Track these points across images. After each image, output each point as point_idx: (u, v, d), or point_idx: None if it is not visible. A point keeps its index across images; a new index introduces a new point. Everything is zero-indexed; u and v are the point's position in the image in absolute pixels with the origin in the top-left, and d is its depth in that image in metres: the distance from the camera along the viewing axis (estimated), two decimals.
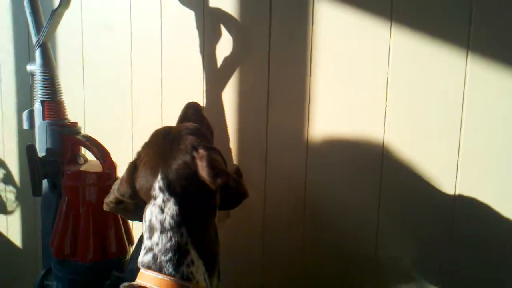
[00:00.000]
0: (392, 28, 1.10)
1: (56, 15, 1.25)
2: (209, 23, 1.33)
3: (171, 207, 0.89)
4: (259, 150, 1.30)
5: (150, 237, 0.89)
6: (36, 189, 1.24)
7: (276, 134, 1.28)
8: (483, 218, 1.06)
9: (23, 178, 1.78)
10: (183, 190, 0.90)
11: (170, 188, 0.90)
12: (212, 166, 0.90)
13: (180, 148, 0.93)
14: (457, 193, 1.08)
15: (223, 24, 1.31)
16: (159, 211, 0.89)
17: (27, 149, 1.22)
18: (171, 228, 0.88)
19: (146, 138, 1.47)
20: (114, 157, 1.26)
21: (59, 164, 1.26)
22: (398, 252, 1.17)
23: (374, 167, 1.16)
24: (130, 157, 1.50)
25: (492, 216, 1.05)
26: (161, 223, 0.89)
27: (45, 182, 1.29)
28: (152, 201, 0.91)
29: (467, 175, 1.07)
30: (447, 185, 1.09)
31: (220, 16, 1.31)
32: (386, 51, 1.11)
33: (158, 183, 0.90)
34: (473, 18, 1.02)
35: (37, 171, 1.23)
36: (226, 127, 1.33)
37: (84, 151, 1.32)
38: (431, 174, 1.10)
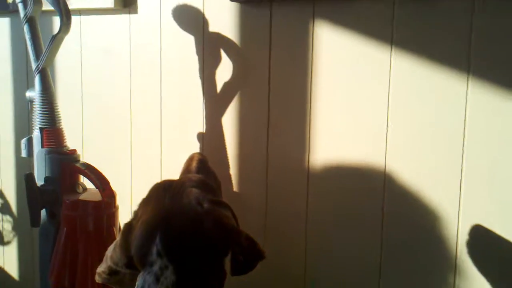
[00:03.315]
0: (393, 53, 1.09)
1: (56, 40, 1.24)
2: (209, 48, 1.33)
3: (168, 277, 0.74)
4: (260, 177, 1.28)
5: None
6: (34, 219, 1.22)
7: (276, 160, 1.26)
8: (488, 245, 1.04)
9: (21, 208, 1.75)
10: (186, 254, 0.76)
11: (169, 253, 0.75)
12: (221, 223, 0.78)
13: (183, 203, 0.81)
14: (460, 219, 1.06)
15: (222, 49, 1.31)
16: (153, 280, 0.74)
17: (25, 178, 1.21)
18: None
19: (145, 165, 1.47)
20: (114, 185, 1.24)
21: (58, 193, 1.24)
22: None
23: (376, 194, 1.14)
24: (129, 185, 1.50)
25: (499, 245, 1.03)
26: None
27: (43, 212, 1.27)
28: (147, 268, 0.76)
29: (470, 201, 1.05)
30: (451, 212, 1.07)
31: (220, 41, 1.31)
32: (387, 77, 1.10)
33: (156, 246, 0.76)
34: (473, 43, 1.02)
35: (36, 201, 1.21)
36: (226, 153, 1.32)
37: (83, 179, 1.30)
38: (434, 201, 1.08)
